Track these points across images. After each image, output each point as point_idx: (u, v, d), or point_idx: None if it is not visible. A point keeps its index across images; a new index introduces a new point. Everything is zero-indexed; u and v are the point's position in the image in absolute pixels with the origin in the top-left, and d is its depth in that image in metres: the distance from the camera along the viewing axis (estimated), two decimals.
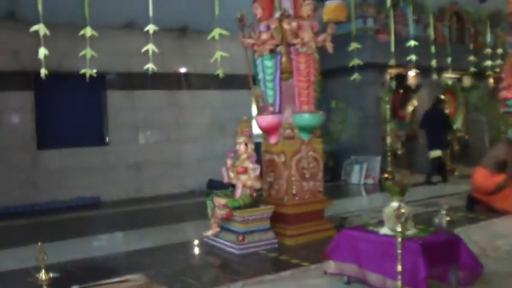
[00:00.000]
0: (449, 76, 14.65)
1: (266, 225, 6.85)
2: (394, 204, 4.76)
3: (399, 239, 4.16)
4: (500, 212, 8.66)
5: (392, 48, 10.47)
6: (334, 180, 13.34)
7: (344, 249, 5.02)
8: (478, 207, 9.01)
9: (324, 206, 7.53)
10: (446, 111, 13.71)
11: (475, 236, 6.73)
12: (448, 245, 4.65)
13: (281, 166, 7.23)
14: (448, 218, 4.78)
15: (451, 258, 4.63)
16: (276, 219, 7.00)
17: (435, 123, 12.68)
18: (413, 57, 10.28)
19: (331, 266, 5.12)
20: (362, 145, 13.72)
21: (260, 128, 7.44)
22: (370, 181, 13.29)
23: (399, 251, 4.16)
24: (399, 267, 4.16)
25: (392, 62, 10.41)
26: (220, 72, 7.45)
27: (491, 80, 16.17)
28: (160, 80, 12.28)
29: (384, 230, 4.77)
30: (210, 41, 6.89)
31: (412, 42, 10.27)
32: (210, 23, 6.83)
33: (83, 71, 6.65)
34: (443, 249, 4.58)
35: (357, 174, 13.57)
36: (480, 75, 15.02)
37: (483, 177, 9.05)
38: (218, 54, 7.00)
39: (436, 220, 4.81)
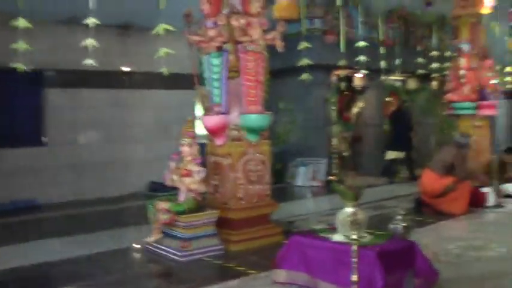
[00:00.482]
0: (394, 78, 14.65)
1: (211, 231, 6.55)
2: (348, 209, 4.54)
3: (355, 247, 3.95)
4: (447, 214, 8.65)
5: (342, 49, 10.35)
6: (279, 182, 13.13)
7: (294, 257, 4.78)
8: (426, 210, 8.99)
9: (271, 210, 7.28)
10: (410, 112, 14.07)
11: (425, 240, 6.59)
12: (404, 252, 4.48)
13: (227, 169, 6.95)
14: (404, 224, 4.55)
15: (407, 266, 4.45)
16: (222, 224, 6.69)
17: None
18: (362, 58, 10.18)
19: (280, 274, 4.87)
20: (308, 147, 13.57)
21: (206, 129, 7.14)
22: (315, 183, 13.13)
23: (355, 260, 3.95)
24: (355, 277, 3.94)
25: (342, 62, 10.28)
26: (164, 70, 7.12)
27: (436, 83, 16.29)
28: (103, 78, 11.82)
29: (337, 237, 4.54)
30: (155, 38, 6.57)
31: (362, 43, 10.17)
32: (155, 20, 6.52)
33: (14, 65, 6.21)
34: (399, 256, 4.41)
35: (302, 177, 13.40)
36: (426, 77, 15.10)
37: (431, 180, 9.01)
38: (163, 51, 6.68)
39: (392, 226, 4.59)
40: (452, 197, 8.81)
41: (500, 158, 10.23)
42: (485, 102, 11.20)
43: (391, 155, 13.05)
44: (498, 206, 9.30)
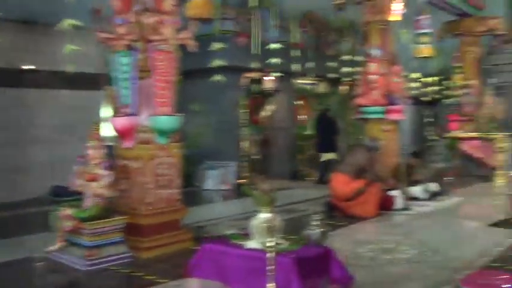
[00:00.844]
0: (305, 82, 14.74)
1: (118, 238, 6.24)
2: (263, 215, 4.40)
3: (271, 254, 3.81)
4: (358, 217, 8.73)
5: (255, 51, 10.26)
6: (189, 186, 12.86)
7: (207, 265, 4.59)
8: (336, 213, 9.03)
9: (181, 216, 7.06)
10: (335, 117, 14.22)
11: (337, 244, 6.55)
12: (319, 258, 4.39)
13: (136, 173, 6.66)
14: (320, 229, 4.45)
15: (322, 272, 4.37)
16: (130, 230, 6.40)
17: (326, 128, 12.89)
18: (273, 60, 10.12)
19: (193, 283, 4.66)
20: (219, 150, 13.41)
21: (114, 130, 6.82)
22: (225, 187, 12.98)
23: (271, 267, 3.80)
24: (271, 285, 3.80)
25: (254, 64, 10.17)
26: (70, 69, 6.74)
27: (346, 87, 16.54)
28: (3, 76, 11.15)
29: (252, 244, 4.39)
30: (61, 35, 6.18)
31: (274, 46, 10.11)
32: (62, 15, 6.14)
33: None
34: (315, 262, 4.32)
35: (211, 180, 13.20)
36: (336, 82, 15.29)
37: (341, 183, 9.06)
38: (68, 48, 6.31)
39: (307, 232, 4.48)
40: (362, 200, 8.91)
41: (407, 161, 10.43)
42: (393, 107, 11.39)
43: (325, 156, 13.23)
44: (406, 208, 9.47)
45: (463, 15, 15.39)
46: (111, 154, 6.77)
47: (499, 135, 14.01)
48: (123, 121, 6.63)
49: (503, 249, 6.64)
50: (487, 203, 10.45)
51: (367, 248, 6.72)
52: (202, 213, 9.49)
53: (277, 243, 4.21)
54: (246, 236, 4.59)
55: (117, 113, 6.77)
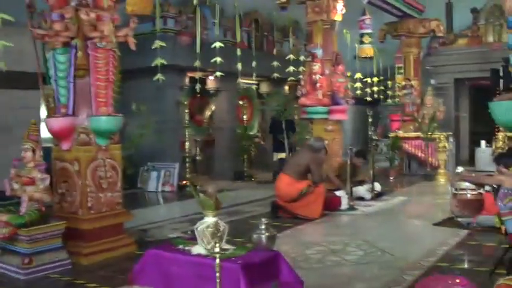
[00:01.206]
0: (248, 82, 14.61)
1: (57, 244, 5.94)
2: (209, 219, 4.21)
3: (218, 261, 3.63)
4: (303, 218, 8.64)
5: (197, 50, 10.05)
6: (131, 188, 12.54)
7: (151, 271, 4.37)
8: (282, 214, 8.92)
9: (124, 219, 6.81)
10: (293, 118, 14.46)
11: (284, 246, 6.48)
12: (268, 263, 4.22)
13: (75, 175, 6.37)
14: (268, 234, 4.30)
15: (271, 277, 4.20)
16: (70, 236, 6.11)
17: (281, 129, 13.22)
18: (216, 60, 9.91)
19: None
20: (161, 151, 13.14)
21: (51, 132, 6.51)
22: (167, 188, 12.73)
23: (218, 274, 3.63)
24: None
25: (196, 64, 9.95)
26: (2, 66, 6.38)
27: (289, 87, 16.52)
28: None
29: (197, 249, 4.19)
30: None
31: (217, 45, 9.91)
32: None
33: None
34: (264, 267, 4.15)
35: (154, 182, 12.93)
36: (279, 81, 15.20)
37: (286, 184, 8.95)
38: (1, 43, 5.98)
39: (255, 236, 4.33)
40: (307, 200, 8.82)
41: (351, 161, 10.41)
42: (336, 107, 11.40)
43: (279, 155, 13.31)
44: (351, 208, 9.46)
45: (404, 16, 15.56)
46: (48, 157, 6.45)
47: (440, 134, 14.22)
48: (60, 122, 6.34)
49: (449, 249, 6.66)
50: (431, 202, 10.57)
51: (315, 249, 6.63)
52: (145, 215, 9.23)
53: (223, 249, 4.05)
54: (192, 240, 4.40)
55: (53, 114, 6.46)
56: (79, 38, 6.28)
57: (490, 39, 17.26)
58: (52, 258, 5.84)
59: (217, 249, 3.71)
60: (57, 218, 6.17)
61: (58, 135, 6.47)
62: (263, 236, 4.37)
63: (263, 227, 4.43)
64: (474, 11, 17.63)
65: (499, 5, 16.87)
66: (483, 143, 15.99)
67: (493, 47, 16.93)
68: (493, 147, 13.79)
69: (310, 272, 5.58)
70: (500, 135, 13.49)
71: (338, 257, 6.27)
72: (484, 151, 15.63)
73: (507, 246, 5.48)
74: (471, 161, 16.71)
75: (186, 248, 4.29)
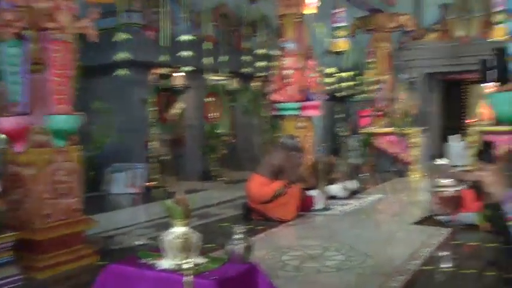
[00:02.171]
0: (216, 78, 14.13)
1: (8, 258, 5.34)
2: (178, 229, 3.75)
3: (189, 277, 3.18)
4: (277, 220, 8.22)
5: (164, 45, 9.55)
6: (94, 191, 11.93)
7: None
8: (254, 216, 8.49)
9: (84, 227, 6.27)
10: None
11: (259, 252, 6.00)
12: (245, 277, 3.78)
13: (29, 181, 5.80)
14: (244, 244, 3.85)
15: None
16: (24, 248, 5.54)
17: None
18: (183, 55, 9.42)
19: None
20: (126, 151, 12.57)
21: (2, 132, 5.96)
22: (134, 190, 12.18)
23: None
24: None
25: (162, 59, 9.44)
26: None
27: (259, 83, 16.09)
28: None
29: (165, 264, 3.71)
30: None
31: (184, 39, 9.42)
32: None
33: None
34: (240, 282, 3.70)
35: (119, 184, 12.35)
36: (249, 77, 14.75)
37: (259, 185, 8.51)
38: None
39: (229, 246, 3.87)
40: (281, 202, 8.39)
41: (325, 159, 10.05)
42: (308, 103, 11.02)
43: None
44: (326, 208, 9.08)
45: (375, 11, 15.30)
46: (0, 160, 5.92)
47: (413, 130, 13.98)
48: (12, 121, 5.78)
49: (431, 250, 6.32)
50: (407, 200, 10.31)
51: (292, 255, 6.19)
52: (109, 220, 8.65)
53: (194, 263, 3.59)
54: (158, 252, 3.91)
55: (4, 112, 5.90)
56: (33, 29, 5.74)
57: (460, 33, 17.06)
58: (2, 274, 5.26)
59: (187, 264, 3.26)
60: (9, 228, 5.58)
61: (10, 136, 5.92)
62: (238, 246, 3.91)
63: (238, 236, 3.97)
64: (443, 5, 17.46)
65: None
66: (455, 137, 15.83)
67: (462, 41, 16.78)
68: (466, 141, 13.61)
69: (289, 282, 5.17)
70: (472, 129, 13.32)
71: (317, 263, 5.84)
72: (455, 145, 15.48)
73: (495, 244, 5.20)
74: (443, 155, 16.49)
75: (151, 262, 3.81)
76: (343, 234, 7.32)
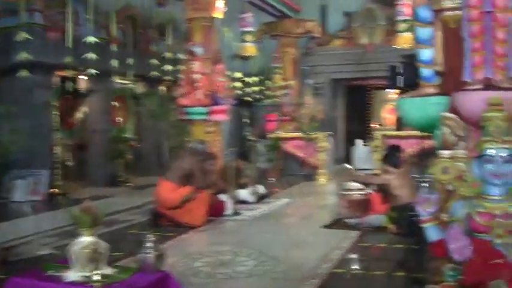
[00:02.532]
0: (122, 82, 13.79)
1: None
2: (85, 239, 3.58)
3: None
4: (186, 226, 8.10)
5: (68, 47, 9.19)
6: None
7: None
8: (163, 222, 8.32)
9: None
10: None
11: (170, 259, 5.82)
12: (156, 286, 3.66)
13: None
14: (156, 252, 3.73)
15: None
16: None
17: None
18: (89, 57, 9.09)
19: None
20: (28, 157, 12.02)
21: None
22: (36, 198, 11.65)
23: None
24: None
25: (67, 62, 9.08)
26: None
27: (166, 87, 15.87)
28: None
29: (72, 276, 3.54)
30: None
31: (90, 40, 9.11)
32: None
33: None
34: None
35: (20, 191, 11.76)
36: (156, 81, 14.49)
37: (168, 190, 8.34)
38: None
39: (140, 255, 3.73)
40: (190, 207, 8.27)
41: (233, 163, 10.02)
42: (216, 107, 11.00)
43: None
44: (236, 213, 9.05)
45: (282, 16, 15.50)
46: None
47: (320, 134, 14.21)
48: None
49: (343, 252, 6.42)
50: (316, 203, 10.47)
51: (203, 261, 6.10)
52: (10, 230, 8.23)
53: (103, 274, 3.44)
54: (64, 264, 3.72)
55: None
56: None
57: (364, 40, 17.55)
58: None
59: (96, 276, 3.11)
60: None
61: None
62: (150, 254, 3.79)
63: (149, 244, 3.84)
64: (347, 14, 17.90)
65: (371, 8, 17.32)
66: (359, 141, 16.28)
67: (367, 48, 17.28)
68: (371, 145, 14.00)
69: None
70: (377, 133, 13.72)
71: (229, 269, 5.78)
72: (360, 150, 15.92)
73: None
74: (348, 159, 16.92)
75: (58, 273, 3.61)
76: (253, 239, 7.30)
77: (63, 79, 12.62)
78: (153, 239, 3.86)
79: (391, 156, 7.96)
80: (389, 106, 17.54)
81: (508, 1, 3.44)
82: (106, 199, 11.17)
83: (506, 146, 3.21)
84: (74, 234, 3.66)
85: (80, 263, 3.52)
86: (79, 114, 14.15)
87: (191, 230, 7.95)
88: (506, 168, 3.21)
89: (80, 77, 12.93)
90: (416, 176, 8.42)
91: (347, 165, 9.25)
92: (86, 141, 13.96)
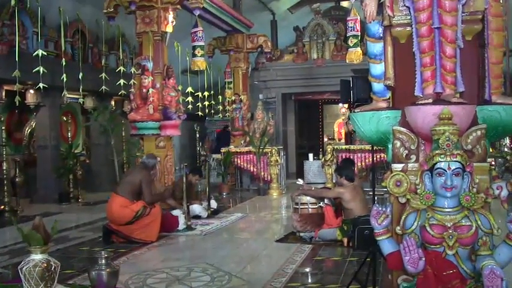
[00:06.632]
0: (71, 96, 13.56)
1: None
2: (37, 257, 3.49)
3: None
4: (139, 242, 7.98)
5: (15, 61, 8.96)
6: None
7: None
8: (115, 238, 8.18)
9: None
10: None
11: (122, 277, 5.75)
12: None
13: None
14: (109, 269, 3.66)
15: None
16: None
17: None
18: (37, 71, 8.87)
19: None
20: None
21: None
22: None
23: None
24: None
25: (16, 73, 8.84)
26: None
27: (116, 102, 15.71)
28: None
29: None
30: None
31: (38, 54, 8.91)
32: None
33: None
34: None
35: None
36: (106, 96, 14.29)
37: (120, 206, 8.15)
38: None
39: (93, 272, 3.67)
40: (143, 223, 8.13)
41: (185, 178, 9.95)
42: (168, 122, 10.95)
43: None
44: (189, 228, 8.96)
45: (233, 31, 15.57)
46: None
47: (272, 148, 14.25)
48: None
49: (296, 266, 6.45)
50: (269, 218, 10.47)
51: (157, 277, 6.03)
52: None
53: None
54: (14, 283, 3.62)
55: None
56: None
57: (314, 55, 17.75)
58: None
59: None
60: None
61: None
62: (103, 272, 3.71)
63: (103, 261, 3.77)
64: (297, 29, 18.08)
65: (321, 24, 17.55)
66: (311, 155, 16.39)
67: (317, 63, 17.49)
68: (322, 159, 14.10)
69: None
70: (329, 147, 13.85)
71: (184, 285, 5.73)
72: (312, 164, 16.02)
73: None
74: (299, 173, 17.03)
75: None
76: (207, 254, 7.25)
77: (11, 93, 12.34)
78: (106, 255, 3.79)
79: (346, 169, 8.04)
80: (340, 120, 17.75)
81: (455, 18, 3.53)
82: (56, 215, 10.93)
83: (457, 159, 3.28)
84: (24, 253, 3.56)
85: (32, 281, 3.43)
86: (27, 129, 13.87)
87: (144, 246, 7.84)
88: (456, 180, 3.28)
89: (28, 91, 12.69)
90: (368, 189, 8.53)
91: (299, 180, 9.28)
92: (35, 157, 13.70)
